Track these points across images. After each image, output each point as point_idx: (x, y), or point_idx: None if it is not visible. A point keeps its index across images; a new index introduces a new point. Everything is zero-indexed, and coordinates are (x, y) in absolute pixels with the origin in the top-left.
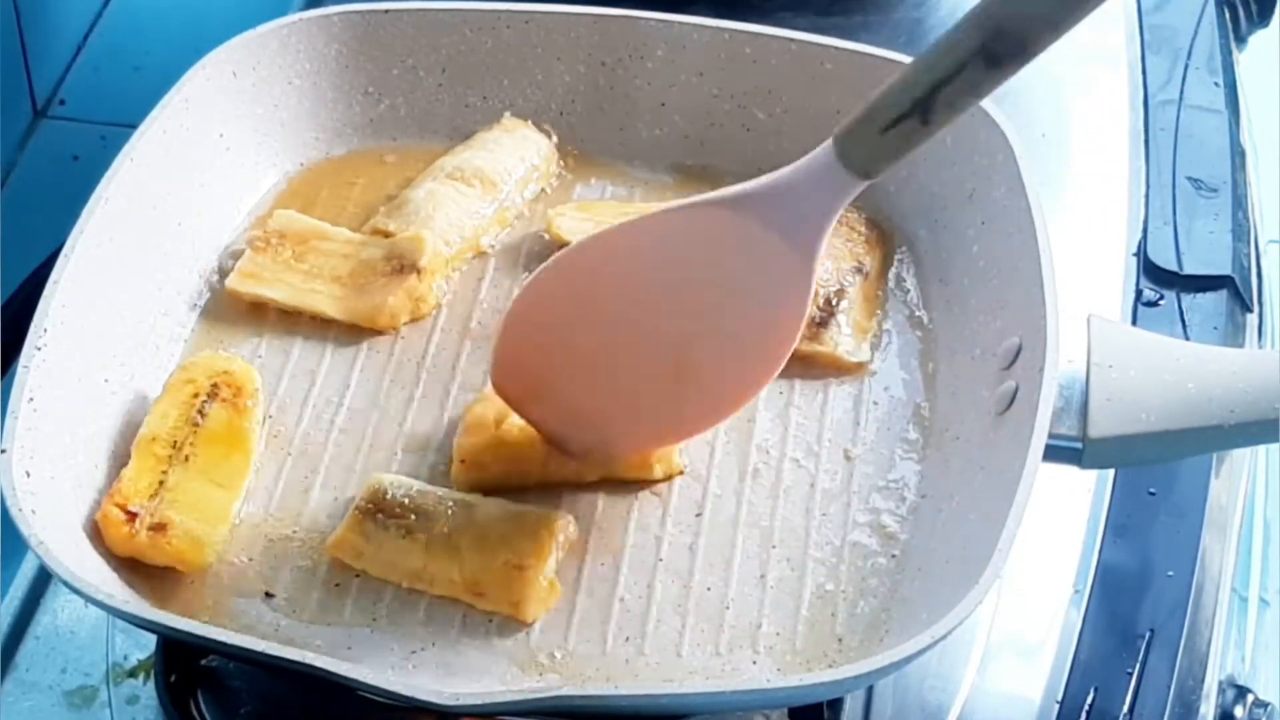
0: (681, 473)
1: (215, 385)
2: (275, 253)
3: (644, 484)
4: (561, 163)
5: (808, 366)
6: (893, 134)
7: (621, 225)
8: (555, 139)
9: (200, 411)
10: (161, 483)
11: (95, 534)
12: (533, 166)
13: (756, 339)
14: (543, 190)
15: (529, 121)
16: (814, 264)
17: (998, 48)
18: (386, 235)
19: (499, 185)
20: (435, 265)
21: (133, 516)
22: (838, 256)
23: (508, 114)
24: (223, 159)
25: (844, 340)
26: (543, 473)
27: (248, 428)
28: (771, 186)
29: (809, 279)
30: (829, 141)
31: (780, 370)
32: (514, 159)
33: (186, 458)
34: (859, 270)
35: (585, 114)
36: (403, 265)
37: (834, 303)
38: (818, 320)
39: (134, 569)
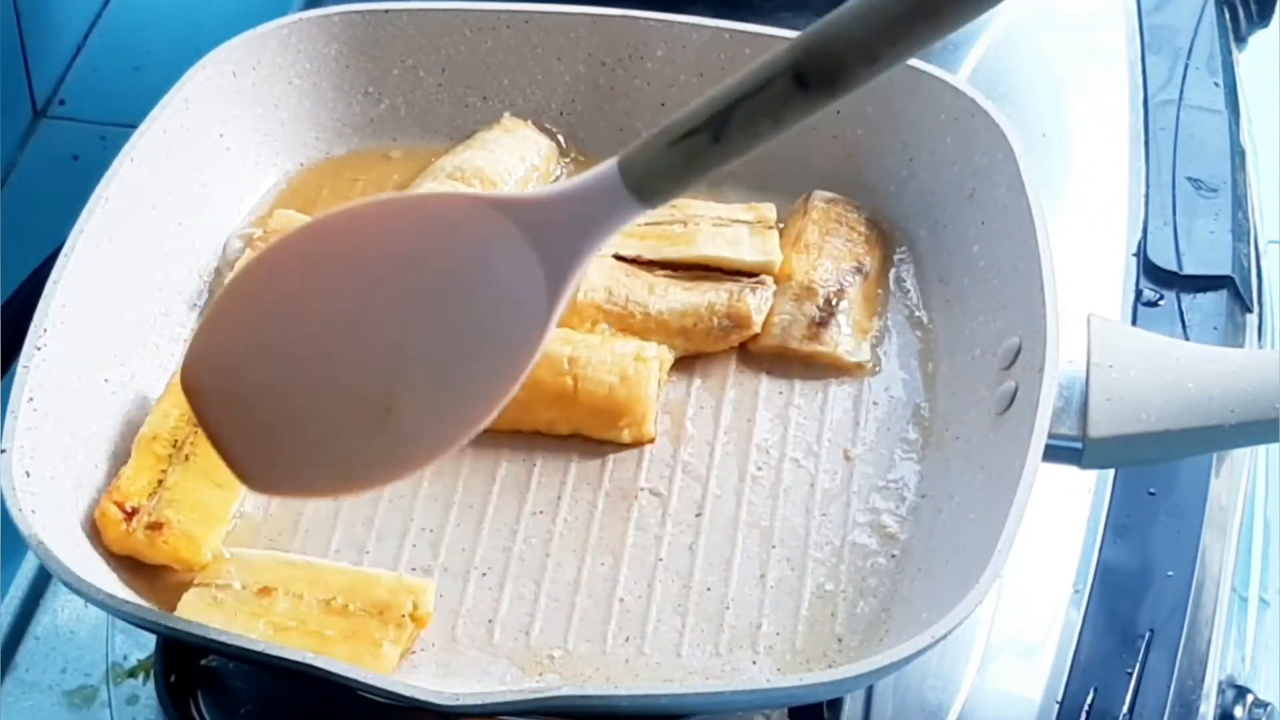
0: (653, 440)
1: None
2: None
3: (611, 445)
4: (562, 162)
5: (808, 366)
6: (678, 150)
7: (366, 203)
8: (561, 139)
9: None
10: (161, 482)
11: (94, 532)
12: (533, 166)
13: (479, 375)
14: None
15: (529, 121)
16: (561, 295)
17: (808, 68)
18: None
19: (499, 185)
20: None
21: (130, 515)
22: (838, 256)
23: (508, 114)
24: (223, 159)
25: (844, 340)
26: (514, 420)
27: None
28: (544, 198)
29: (552, 311)
30: (612, 160)
31: (490, 419)
32: (514, 159)
33: (186, 457)
34: (859, 270)
35: (585, 114)
36: None
37: (834, 303)
38: (818, 320)
39: (134, 569)
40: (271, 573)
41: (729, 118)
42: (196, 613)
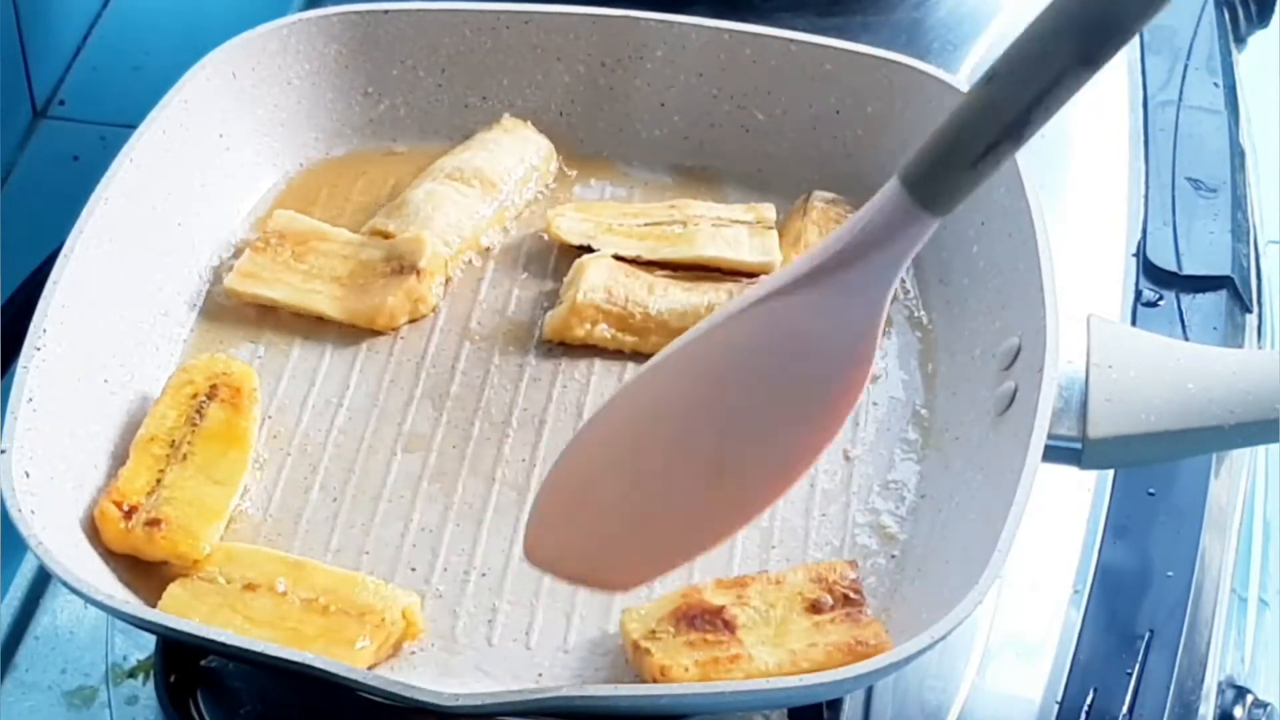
0: None
1: (214, 386)
2: (275, 253)
3: None
4: (561, 163)
5: None
6: (984, 163)
7: (671, 353)
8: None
9: (199, 412)
10: (159, 481)
11: (93, 532)
12: (532, 167)
13: (807, 421)
14: (541, 191)
15: (528, 122)
16: (877, 328)
17: (1093, 44)
18: (386, 236)
19: (498, 185)
20: (435, 266)
21: (129, 513)
22: None
23: (507, 114)
24: (222, 159)
25: None
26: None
27: (246, 425)
28: (839, 251)
29: (872, 346)
30: (895, 186)
31: (819, 455)
32: (513, 159)
33: (184, 456)
34: None
35: (585, 114)
36: (402, 266)
37: None
38: None
39: (133, 569)
40: (259, 569)
41: (1028, 119)
42: (180, 605)
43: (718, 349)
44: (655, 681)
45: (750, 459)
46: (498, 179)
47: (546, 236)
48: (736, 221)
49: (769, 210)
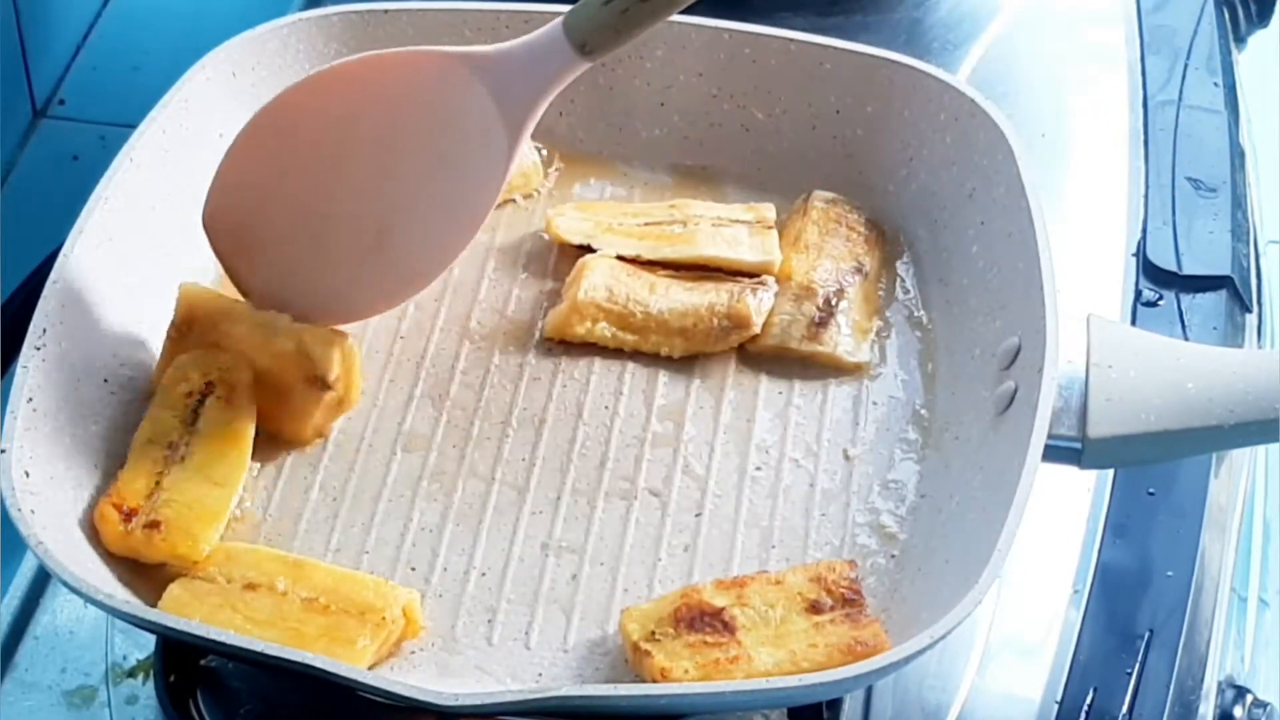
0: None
1: (210, 383)
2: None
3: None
4: (548, 173)
5: (807, 366)
6: (611, 8)
7: (350, 61)
8: (544, 153)
9: (195, 412)
10: (158, 483)
11: (93, 533)
12: (514, 185)
13: (455, 207)
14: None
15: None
16: (520, 138)
17: None
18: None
19: None
20: (350, 366)
21: (129, 516)
22: (838, 256)
23: None
24: None
25: (843, 341)
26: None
27: (243, 424)
28: (500, 52)
29: (512, 152)
30: (557, 27)
31: (468, 243)
32: None
33: (183, 458)
34: (859, 270)
35: (585, 114)
36: (313, 377)
37: (833, 303)
38: (817, 320)
39: (133, 569)
40: (259, 569)
41: None
42: (180, 605)
43: (377, 75)
44: (654, 682)
45: (402, 224)
46: None
47: (546, 236)
48: (736, 221)
49: (769, 210)
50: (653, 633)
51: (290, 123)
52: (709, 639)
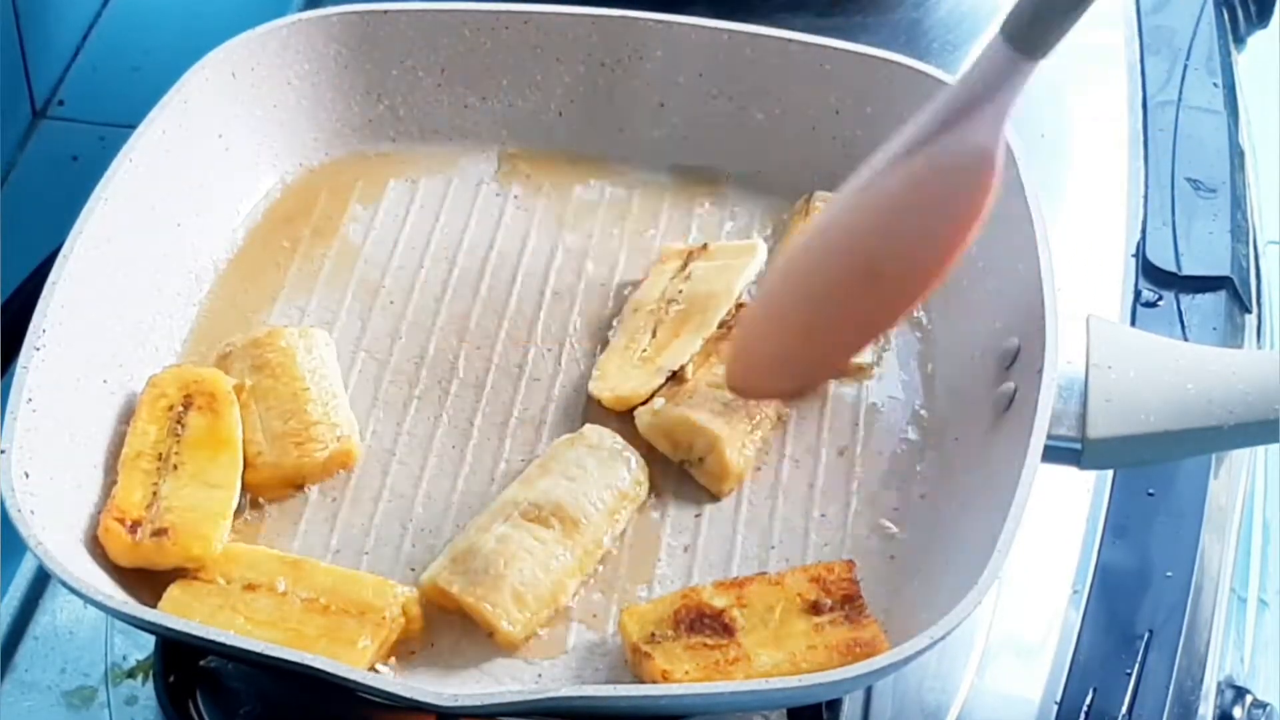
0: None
1: (188, 396)
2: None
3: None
4: (644, 488)
5: None
6: (1081, 6)
7: (820, 223)
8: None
9: (179, 422)
10: (154, 494)
11: (97, 547)
12: (621, 494)
13: (942, 230)
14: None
15: (615, 435)
16: (998, 148)
17: None
18: (446, 598)
19: (580, 524)
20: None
21: (133, 527)
22: None
23: (588, 426)
24: (222, 160)
25: None
26: None
27: (229, 428)
28: (954, 109)
29: (993, 163)
30: (997, 42)
31: (958, 255)
32: (600, 486)
33: (175, 467)
34: None
35: (585, 114)
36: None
37: None
38: None
39: (133, 569)
40: (258, 569)
41: None
42: (179, 606)
43: (858, 210)
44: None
45: (901, 268)
46: (580, 515)
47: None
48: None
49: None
50: (652, 634)
51: (788, 280)
52: (709, 641)
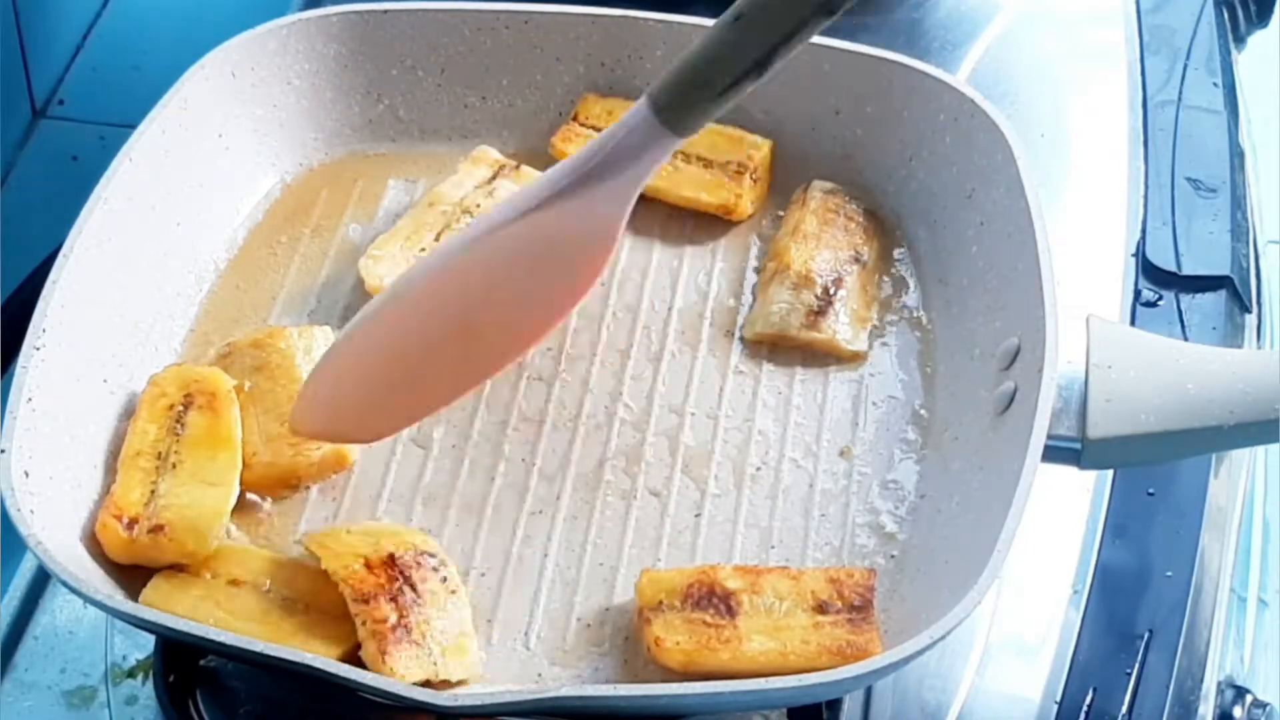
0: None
1: (189, 395)
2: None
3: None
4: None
5: (806, 355)
6: (728, 94)
7: (433, 264)
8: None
9: (179, 421)
10: (153, 491)
11: (95, 543)
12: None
13: (549, 299)
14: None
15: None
16: (622, 222)
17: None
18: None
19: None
20: None
21: (130, 524)
22: (836, 246)
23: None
24: (221, 159)
25: (842, 329)
26: None
27: (228, 427)
28: (592, 167)
29: (615, 237)
30: (644, 110)
31: (561, 321)
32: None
33: (174, 465)
34: (857, 260)
35: None
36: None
37: (832, 291)
38: (816, 309)
39: (133, 569)
40: (246, 567)
41: (772, 59)
42: (162, 597)
43: (477, 261)
44: (649, 650)
45: (499, 329)
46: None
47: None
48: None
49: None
50: (661, 601)
51: (380, 330)
52: (709, 618)
